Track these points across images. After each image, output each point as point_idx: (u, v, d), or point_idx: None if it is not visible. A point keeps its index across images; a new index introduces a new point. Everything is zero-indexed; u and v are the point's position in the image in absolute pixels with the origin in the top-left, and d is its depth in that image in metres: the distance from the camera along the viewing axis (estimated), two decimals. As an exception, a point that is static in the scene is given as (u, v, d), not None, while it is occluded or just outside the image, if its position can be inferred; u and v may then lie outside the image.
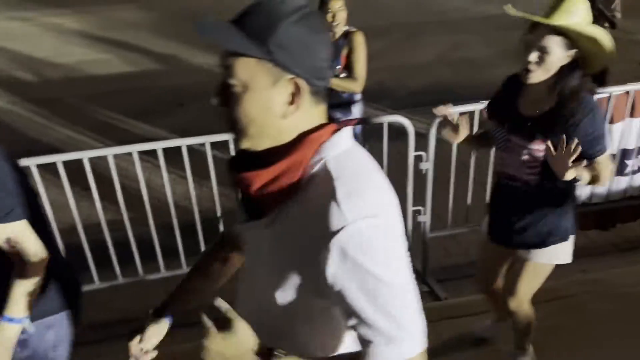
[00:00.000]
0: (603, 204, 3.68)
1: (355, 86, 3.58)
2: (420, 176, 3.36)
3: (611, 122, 3.40)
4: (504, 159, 2.17)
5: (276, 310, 1.11)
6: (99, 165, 3.14)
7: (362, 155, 1.08)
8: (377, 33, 10.12)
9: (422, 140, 3.28)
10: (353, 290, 0.97)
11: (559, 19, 1.87)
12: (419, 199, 3.42)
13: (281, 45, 0.97)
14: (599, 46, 1.91)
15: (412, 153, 3.30)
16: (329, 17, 3.47)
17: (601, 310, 2.98)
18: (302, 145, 1.02)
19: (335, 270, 0.96)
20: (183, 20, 9.18)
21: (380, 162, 3.33)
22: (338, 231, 0.94)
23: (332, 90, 3.54)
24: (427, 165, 3.32)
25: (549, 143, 1.89)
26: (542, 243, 2.18)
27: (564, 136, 1.86)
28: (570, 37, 1.89)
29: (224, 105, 1.04)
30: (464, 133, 2.20)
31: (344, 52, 3.55)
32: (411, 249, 3.53)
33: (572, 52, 1.91)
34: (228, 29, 0.99)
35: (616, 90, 3.34)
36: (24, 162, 2.93)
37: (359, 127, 3.70)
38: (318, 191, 1.00)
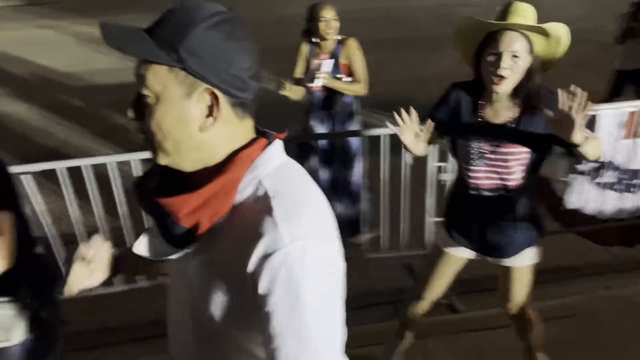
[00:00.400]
0: (628, 219, 3.61)
1: (361, 88, 3.59)
2: (440, 187, 3.33)
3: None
4: (482, 172, 2.07)
5: (206, 336, 1.05)
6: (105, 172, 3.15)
7: (298, 171, 1.02)
8: (404, 45, 10.16)
9: (442, 151, 3.26)
10: (279, 315, 0.88)
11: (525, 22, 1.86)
12: (439, 210, 3.40)
13: (193, 52, 0.90)
14: (554, 48, 1.92)
15: (432, 164, 3.28)
16: (322, 25, 3.47)
17: (624, 327, 2.91)
18: (234, 164, 0.95)
19: (265, 292, 0.89)
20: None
21: (399, 173, 3.34)
22: (274, 252, 0.88)
23: (334, 95, 3.55)
24: (447, 177, 3.30)
25: (547, 111, 1.77)
26: (531, 243, 2.17)
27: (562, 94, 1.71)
28: (530, 41, 1.88)
29: (138, 119, 0.97)
30: (425, 138, 2.08)
31: (342, 59, 3.56)
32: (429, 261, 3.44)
33: (531, 56, 1.91)
34: (136, 35, 0.93)
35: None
36: (24, 168, 2.97)
37: (358, 141, 3.69)
38: (253, 211, 0.93)
